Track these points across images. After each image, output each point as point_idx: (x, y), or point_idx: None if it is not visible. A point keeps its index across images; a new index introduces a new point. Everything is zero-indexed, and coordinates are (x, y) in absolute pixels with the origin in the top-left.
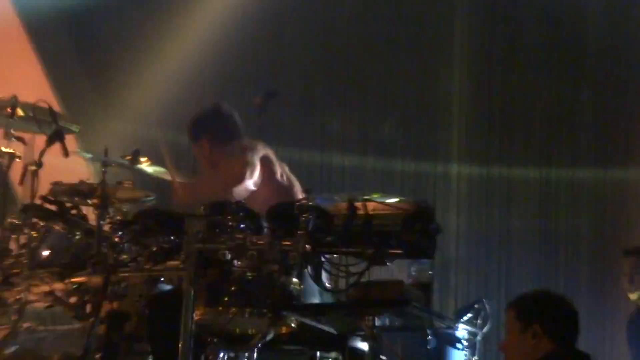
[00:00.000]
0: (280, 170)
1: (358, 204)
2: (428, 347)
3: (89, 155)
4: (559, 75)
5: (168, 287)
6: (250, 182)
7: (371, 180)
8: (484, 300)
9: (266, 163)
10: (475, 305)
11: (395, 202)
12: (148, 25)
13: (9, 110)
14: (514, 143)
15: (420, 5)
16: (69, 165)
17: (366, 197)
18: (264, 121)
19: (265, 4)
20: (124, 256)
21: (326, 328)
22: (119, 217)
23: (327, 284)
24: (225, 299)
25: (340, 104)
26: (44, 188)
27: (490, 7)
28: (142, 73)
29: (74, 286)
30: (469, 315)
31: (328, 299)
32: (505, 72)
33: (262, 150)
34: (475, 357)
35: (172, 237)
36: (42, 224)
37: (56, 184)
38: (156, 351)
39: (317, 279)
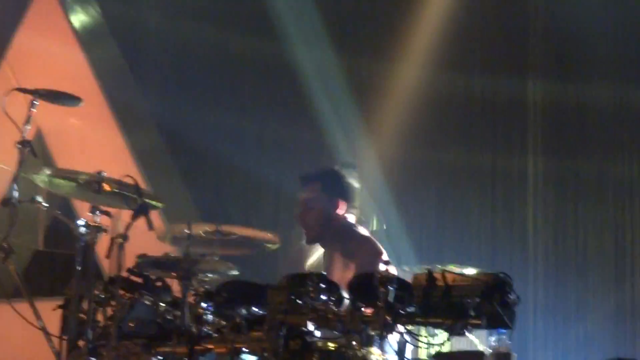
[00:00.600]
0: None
1: (437, 275)
2: None
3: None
4: None
5: (251, 357)
6: None
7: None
8: None
9: None
10: None
11: (474, 273)
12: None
13: (95, 185)
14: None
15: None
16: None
17: (444, 269)
18: None
19: None
20: (208, 327)
21: None
22: (202, 289)
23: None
24: None
25: None
26: (129, 261)
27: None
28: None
29: (160, 357)
30: None
31: None
32: None
33: None
34: None
35: (254, 309)
36: (128, 296)
37: (141, 256)
38: None
39: (400, 352)
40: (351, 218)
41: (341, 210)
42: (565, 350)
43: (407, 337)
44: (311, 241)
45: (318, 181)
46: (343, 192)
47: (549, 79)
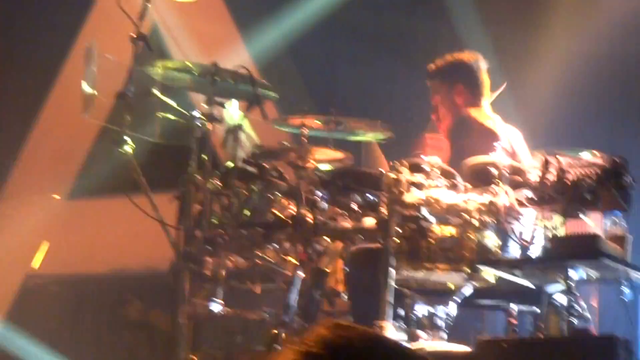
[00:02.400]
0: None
1: (552, 159)
2: (624, 299)
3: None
4: None
5: (367, 244)
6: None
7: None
8: None
9: None
10: None
11: (589, 156)
12: None
13: (210, 76)
14: None
15: None
16: (270, 129)
17: (560, 153)
18: None
19: None
20: (323, 216)
21: (523, 282)
22: (318, 177)
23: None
24: (423, 254)
25: None
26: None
27: None
28: None
29: (276, 246)
30: None
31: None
32: None
33: None
34: None
35: (370, 196)
36: (244, 186)
37: (257, 146)
38: (356, 306)
39: (513, 234)
40: (482, 109)
41: (460, 97)
42: None
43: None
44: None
45: (438, 75)
46: (463, 77)
47: None
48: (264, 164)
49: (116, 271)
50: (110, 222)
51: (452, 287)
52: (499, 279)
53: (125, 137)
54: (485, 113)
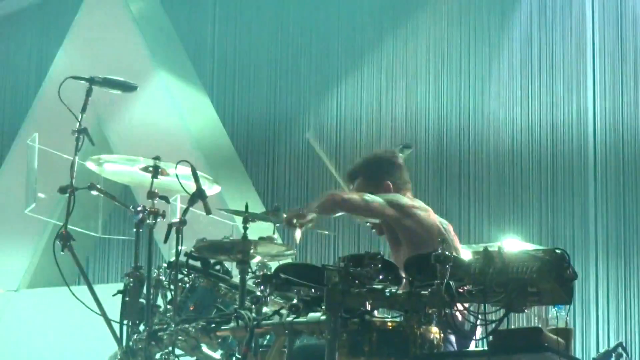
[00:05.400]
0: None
1: (494, 252)
2: None
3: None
4: None
5: (310, 339)
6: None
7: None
8: (623, 344)
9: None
10: (615, 350)
11: (531, 250)
12: None
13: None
14: None
15: None
16: (212, 223)
17: (501, 246)
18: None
19: None
20: (267, 309)
21: None
22: (260, 272)
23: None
24: (366, 349)
25: None
26: (188, 245)
27: None
28: None
29: (219, 340)
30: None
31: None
32: None
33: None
34: None
35: (312, 290)
36: (187, 280)
37: (200, 240)
38: None
39: (457, 328)
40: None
41: (388, 191)
42: (627, 325)
43: (465, 314)
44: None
45: (359, 175)
46: (387, 173)
47: None
48: (208, 258)
49: None
50: (56, 315)
51: None
52: None
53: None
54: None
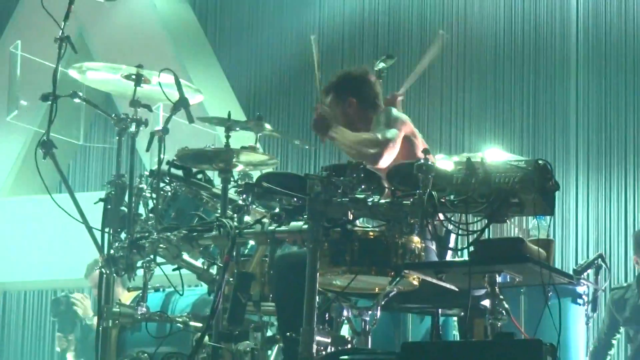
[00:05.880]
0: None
1: (476, 163)
2: (548, 303)
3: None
4: None
5: (292, 248)
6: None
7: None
8: (603, 255)
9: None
10: (595, 261)
11: (514, 160)
12: None
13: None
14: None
15: None
16: (195, 132)
17: (484, 156)
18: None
19: None
20: (249, 218)
21: (448, 286)
22: (243, 181)
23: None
24: (348, 258)
25: None
26: (170, 154)
27: None
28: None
29: (201, 248)
30: (589, 271)
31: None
32: None
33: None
34: (596, 313)
35: (295, 199)
36: (169, 188)
37: (182, 149)
38: (281, 310)
39: (438, 238)
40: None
41: (352, 106)
42: (607, 236)
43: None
44: None
45: (331, 90)
46: (355, 89)
47: None
48: (190, 167)
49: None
50: (37, 223)
51: (377, 290)
52: (423, 283)
53: (50, 139)
54: None
